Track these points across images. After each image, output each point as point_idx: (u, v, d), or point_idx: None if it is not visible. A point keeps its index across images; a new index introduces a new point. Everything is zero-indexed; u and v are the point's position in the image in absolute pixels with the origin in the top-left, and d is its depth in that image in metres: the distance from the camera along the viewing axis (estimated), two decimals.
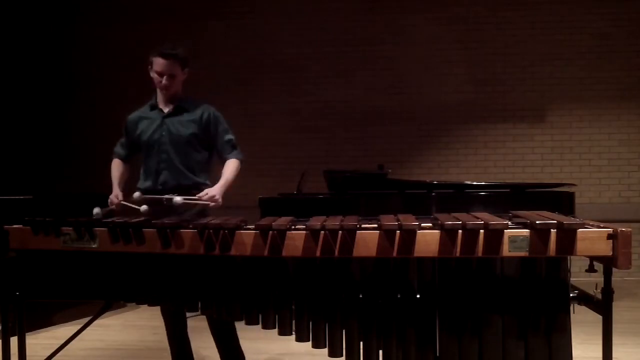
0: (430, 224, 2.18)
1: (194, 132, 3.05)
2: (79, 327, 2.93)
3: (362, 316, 2.23)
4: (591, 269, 2.27)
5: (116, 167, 3.27)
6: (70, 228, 2.45)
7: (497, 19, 6.53)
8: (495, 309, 2.18)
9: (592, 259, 2.21)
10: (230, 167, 3.06)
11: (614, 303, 2.14)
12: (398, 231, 2.13)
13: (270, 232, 2.22)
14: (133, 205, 2.97)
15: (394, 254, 2.14)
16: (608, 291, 2.14)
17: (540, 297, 2.16)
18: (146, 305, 2.51)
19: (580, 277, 2.32)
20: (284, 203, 4.73)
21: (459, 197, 4.72)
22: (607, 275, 2.14)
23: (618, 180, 6.45)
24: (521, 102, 6.53)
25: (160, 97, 3.12)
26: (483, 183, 5.11)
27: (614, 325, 2.15)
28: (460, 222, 2.11)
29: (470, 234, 2.09)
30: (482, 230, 2.09)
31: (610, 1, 6.40)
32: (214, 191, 2.94)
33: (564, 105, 6.50)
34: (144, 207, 2.89)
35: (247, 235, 2.26)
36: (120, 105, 6.93)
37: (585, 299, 2.28)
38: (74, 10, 7.05)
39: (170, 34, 6.88)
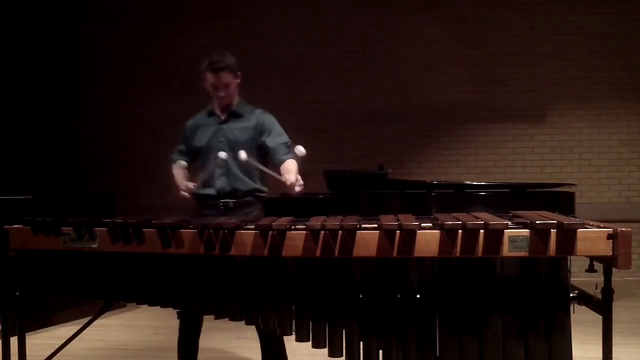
0: (430, 224, 2.17)
1: (251, 138, 3.05)
2: (79, 327, 2.92)
3: (362, 316, 2.23)
4: (591, 269, 2.27)
5: (178, 171, 3.21)
6: (70, 228, 2.45)
7: (497, 19, 6.53)
8: (495, 309, 2.18)
9: (592, 259, 2.21)
10: (292, 165, 2.97)
11: (614, 303, 2.14)
12: (398, 231, 2.13)
13: (270, 232, 2.22)
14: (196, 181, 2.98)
15: (394, 254, 2.14)
16: (608, 291, 2.14)
17: (540, 297, 2.16)
18: (146, 305, 2.51)
19: (580, 277, 2.32)
20: (284, 203, 4.73)
21: (459, 197, 4.72)
22: (607, 275, 2.14)
23: (618, 180, 6.45)
24: (521, 102, 6.53)
25: (217, 104, 3.14)
26: (483, 183, 5.12)
27: (614, 325, 2.15)
28: (460, 222, 2.11)
29: (470, 234, 2.09)
30: (482, 230, 2.09)
31: (610, 1, 6.40)
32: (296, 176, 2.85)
33: (564, 105, 6.51)
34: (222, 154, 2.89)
35: (247, 235, 2.26)
36: (120, 105, 7.00)
37: (585, 299, 2.28)
38: (74, 10, 7.06)
39: (170, 34, 6.90)
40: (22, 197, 4.55)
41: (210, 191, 3.06)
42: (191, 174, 3.20)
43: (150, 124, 6.92)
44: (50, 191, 6.30)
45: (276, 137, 3.09)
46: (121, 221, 2.40)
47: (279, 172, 2.94)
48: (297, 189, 2.80)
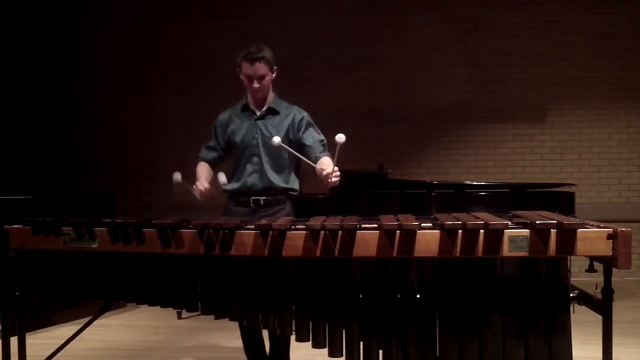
0: (430, 224, 2.18)
1: (286, 135, 3.00)
2: (79, 327, 2.92)
3: (362, 316, 2.23)
4: (591, 269, 2.27)
5: (202, 167, 3.14)
6: (70, 228, 2.45)
7: (497, 19, 6.53)
8: (495, 309, 2.18)
9: (592, 259, 2.21)
10: (328, 160, 2.93)
11: (614, 303, 2.14)
12: (398, 231, 2.13)
13: (270, 232, 2.22)
14: (215, 184, 2.93)
15: (394, 254, 2.14)
16: (608, 291, 2.14)
17: (540, 297, 2.16)
18: (146, 305, 2.51)
19: (580, 277, 2.32)
20: None
21: (459, 197, 4.72)
22: (607, 275, 2.14)
23: (618, 180, 6.45)
24: (521, 102, 6.53)
25: (251, 99, 3.08)
26: (483, 183, 5.11)
27: (614, 325, 2.15)
28: (460, 222, 2.11)
29: (470, 234, 2.09)
30: (482, 230, 2.09)
31: (610, 1, 6.40)
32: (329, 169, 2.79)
33: (564, 105, 6.50)
34: (222, 177, 2.87)
35: (247, 235, 2.26)
36: (120, 105, 7.00)
37: (585, 299, 2.28)
38: (74, 10, 7.06)
39: (170, 35, 6.90)
40: (22, 197, 4.55)
41: (241, 187, 3.02)
42: (225, 170, 3.15)
43: (150, 124, 6.93)
44: (50, 191, 6.30)
45: (313, 134, 3.04)
46: (121, 221, 2.40)
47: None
48: (334, 179, 2.72)
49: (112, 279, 2.46)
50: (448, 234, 2.11)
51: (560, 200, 4.65)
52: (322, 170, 2.75)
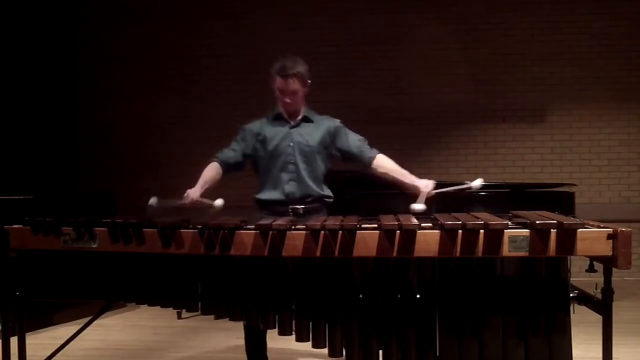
0: (430, 224, 2.18)
1: (321, 142, 3.00)
2: (79, 327, 2.93)
3: (362, 316, 2.23)
4: (591, 269, 2.27)
5: (210, 169, 3.10)
6: (70, 228, 2.45)
7: (497, 19, 6.53)
8: (495, 309, 2.18)
9: (592, 259, 2.22)
10: (390, 161, 3.00)
11: (614, 303, 2.14)
12: (398, 231, 2.13)
13: (270, 232, 2.23)
14: (207, 201, 2.92)
15: (394, 254, 2.14)
16: (608, 291, 2.14)
17: (540, 297, 2.17)
18: (146, 305, 2.51)
19: (580, 277, 2.32)
20: None
21: (459, 197, 4.71)
22: (607, 275, 2.15)
23: (618, 180, 6.45)
24: (521, 102, 6.53)
25: (282, 109, 3.06)
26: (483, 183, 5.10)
27: (614, 325, 2.15)
28: (460, 222, 2.11)
29: (470, 234, 2.09)
30: (482, 230, 2.09)
31: (610, 1, 6.40)
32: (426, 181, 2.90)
33: (564, 105, 6.50)
34: (219, 202, 2.85)
35: (247, 235, 2.26)
36: (120, 105, 7.00)
37: (585, 299, 2.28)
38: (75, 10, 7.05)
39: (170, 35, 6.90)
40: (22, 197, 4.55)
41: (278, 196, 2.96)
42: (248, 177, 3.13)
43: (151, 124, 6.93)
44: (50, 191, 6.29)
45: (354, 138, 3.05)
46: (121, 221, 2.40)
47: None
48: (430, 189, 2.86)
49: (112, 279, 2.46)
50: (448, 234, 2.11)
51: (560, 200, 4.65)
52: (423, 186, 2.87)
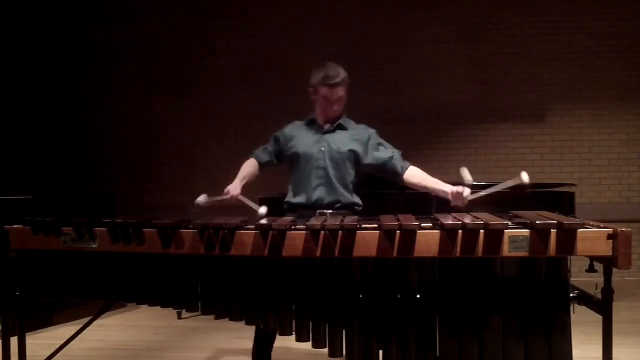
0: (430, 224, 2.18)
1: (353, 149, 2.98)
2: (79, 327, 2.92)
3: (362, 316, 2.23)
4: (591, 269, 2.28)
5: (248, 165, 3.10)
6: (70, 228, 2.44)
7: (497, 19, 6.53)
8: (495, 309, 2.18)
9: (592, 259, 2.22)
10: (422, 173, 2.96)
11: (614, 303, 2.14)
12: (398, 231, 2.13)
13: (270, 232, 2.22)
14: (251, 204, 2.90)
15: (394, 254, 2.14)
16: (608, 291, 2.14)
17: (540, 297, 2.16)
18: (146, 305, 2.51)
19: (580, 277, 2.32)
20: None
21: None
22: (607, 275, 2.14)
23: (618, 180, 6.45)
24: (521, 102, 6.53)
25: (320, 115, 3.07)
26: (483, 183, 5.10)
27: (614, 325, 2.15)
28: (460, 222, 2.11)
29: (470, 234, 2.09)
30: (482, 230, 2.09)
31: (610, 1, 6.40)
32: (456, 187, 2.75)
33: (564, 105, 6.50)
34: (263, 209, 2.79)
35: (247, 235, 2.26)
36: (121, 105, 7.00)
37: (585, 299, 2.28)
38: (76, 10, 7.06)
39: (171, 35, 6.90)
40: (22, 197, 4.55)
41: (307, 200, 2.95)
42: (278, 176, 3.14)
43: (151, 124, 6.93)
44: (50, 191, 6.29)
45: (387, 149, 3.05)
46: (121, 221, 2.40)
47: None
48: (467, 196, 2.69)
49: (112, 279, 2.46)
50: (448, 234, 2.11)
51: (560, 200, 4.65)
52: (457, 191, 2.70)
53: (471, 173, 2.74)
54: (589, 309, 2.27)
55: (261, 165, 3.13)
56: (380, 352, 2.24)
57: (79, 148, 7.05)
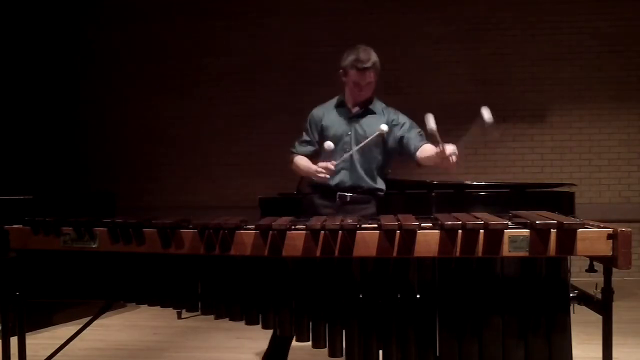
0: (430, 224, 2.18)
1: (380, 134, 2.97)
2: (79, 327, 2.92)
3: (362, 316, 2.23)
4: (591, 269, 2.27)
5: (302, 159, 3.07)
6: (70, 228, 2.44)
7: (497, 19, 6.53)
8: (495, 309, 2.18)
9: (592, 259, 2.21)
10: (429, 147, 2.93)
11: (614, 303, 2.14)
12: (398, 231, 2.13)
13: (270, 232, 2.22)
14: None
15: (394, 254, 2.14)
16: (608, 291, 2.14)
17: (540, 297, 2.16)
18: (146, 305, 2.51)
19: (580, 277, 2.32)
20: (284, 203, 4.73)
21: (459, 197, 4.71)
22: (607, 275, 2.14)
23: (618, 180, 6.45)
24: (521, 102, 6.53)
25: (349, 98, 3.06)
26: (483, 183, 5.11)
27: (614, 325, 2.15)
28: (460, 222, 2.11)
29: (470, 234, 2.09)
30: (482, 230, 2.09)
31: (610, 1, 6.40)
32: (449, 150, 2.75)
33: (564, 105, 6.50)
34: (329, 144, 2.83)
35: (247, 235, 2.26)
36: (121, 105, 7.00)
37: (585, 299, 2.28)
38: (77, 10, 7.05)
39: (171, 35, 6.90)
40: (22, 197, 4.55)
41: (330, 183, 2.96)
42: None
43: (151, 124, 6.93)
44: (50, 191, 6.29)
45: (411, 128, 3.05)
46: (121, 221, 2.40)
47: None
48: (454, 158, 2.77)
49: (112, 279, 2.46)
50: (448, 234, 2.11)
51: (560, 200, 4.65)
52: (445, 150, 2.72)
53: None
54: (589, 309, 2.27)
55: (309, 157, 3.09)
56: (380, 352, 2.24)
57: (79, 148, 7.04)
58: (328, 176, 2.87)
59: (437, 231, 2.12)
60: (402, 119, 3.08)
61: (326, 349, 2.27)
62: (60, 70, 7.02)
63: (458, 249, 2.10)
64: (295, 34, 6.70)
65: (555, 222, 2.07)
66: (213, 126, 6.81)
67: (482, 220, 2.11)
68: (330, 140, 2.97)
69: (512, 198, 4.62)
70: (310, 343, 2.28)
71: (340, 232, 2.17)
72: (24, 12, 6.65)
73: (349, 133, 3.00)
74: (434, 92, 6.58)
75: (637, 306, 5.16)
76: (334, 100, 3.14)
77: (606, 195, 6.46)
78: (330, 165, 2.86)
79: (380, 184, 3.07)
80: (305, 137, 3.16)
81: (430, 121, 2.62)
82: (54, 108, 6.99)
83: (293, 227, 2.24)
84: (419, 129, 3.04)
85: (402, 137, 3.01)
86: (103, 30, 7.00)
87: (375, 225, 2.19)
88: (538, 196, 4.76)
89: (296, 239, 2.20)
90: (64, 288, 2.54)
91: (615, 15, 6.37)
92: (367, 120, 3.03)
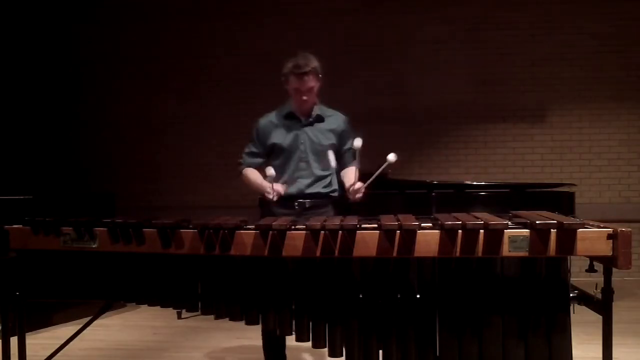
0: (430, 224, 2.18)
1: (332, 142, 3.08)
2: (79, 327, 2.92)
3: (362, 316, 2.23)
4: (591, 269, 2.27)
5: (253, 172, 3.14)
6: (70, 228, 2.45)
7: (497, 19, 6.53)
8: (495, 309, 2.18)
9: (592, 259, 2.21)
10: (354, 172, 2.99)
11: (614, 303, 2.14)
12: (398, 231, 2.13)
13: (270, 232, 2.22)
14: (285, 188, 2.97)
15: (394, 254, 2.14)
16: (608, 291, 2.14)
17: (540, 297, 2.16)
18: (146, 305, 2.51)
19: (580, 277, 2.32)
20: None
21: (459, 197, 4.72)
22: (607, 275, 2.14)
23: (618, 180, 6.45)
24: (521, 102, 6.53)
25: (296, 107, 3.09)
26: (483, 183, 5.11)
27: (614, 325, 2.15)
28: (460, 222, 2.11)
29: (470, 234, 2.09)
30: (482, 230, 2.09)
31: (610, 1, 6.39)
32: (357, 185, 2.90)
33: (564, 105, 6.50)
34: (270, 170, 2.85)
35: (247, 235, 2.26)
36: (121, 105, 7.00)
37: (585, 299, 2.28)
38: (76, 10, 7.05)
39: (171, 35, 6.90)
40: (22, 197, 4.55)
41: (290, 191, 3.03)
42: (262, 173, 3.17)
43: (151, 124, 6.93)
44: (50, 191, 6.29)
45: (348, 143, 3.12)
46: (121, 221, 2.40)
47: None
48: (358, 195, 2.89)
49: (112, 279, 2.46)
50: (448, 234, 2.11)
51: (560, 200, 4.66)
52: (350, 184, 2.90)
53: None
54: (589, 309, 2.27)
55: (258, 169, 3.16)
56: (380, 352, 2.24)
57: (79, 148, 7.04)
58: (275, 199, 2.92)
59: (437, 231, 2.12)
60: (349, 133, 3.14)
61: (326, 349, 2.27)
62: (60, 70, 7.02)
63: (458, 249, 2.10)
64: (295, 34, 6.70)
65: (555, 222, 2.07)
66: (213, 126, 6.81)
67: (482, 220, 2.11)
68: (285, 151, 3.05)
69: (512, 198, 4.63)
70: (310, 343, 2.28)
71: (340, 232, 2.17)
72: (23, 12, 6.65)
73: (303, 142, 3.06)
74: (434, 92, 6.59)
75: (637, 306, 5.16)
76: (281, 110, 3.17)
77: (606, 195, 6.46)
78: (281, 191, 2.94)
79: (335, 186, 3.14)
80: (253, 148, 3.19)
81: (356, 142, 2.75)
82: (54, 108, 6.99)
83: (293, 227, 2.24)
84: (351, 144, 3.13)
85: (340, 151, 3.12)
86: (103, 30, 7.00)
87: (375, 225, 2.19)
88: (538, 196, 4.76)
89: (296, 239, 2.21)
90: (64, 288, 2.55)
91: (615, 15, 6.37)
92: (318, 127, 3.10)
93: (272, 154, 3.11)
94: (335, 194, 3.15)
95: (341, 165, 3.11)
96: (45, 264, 2.54)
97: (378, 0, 6.69)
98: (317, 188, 3.06)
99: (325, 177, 3.09)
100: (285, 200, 2.99)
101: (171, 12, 6.92)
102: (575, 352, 2.24)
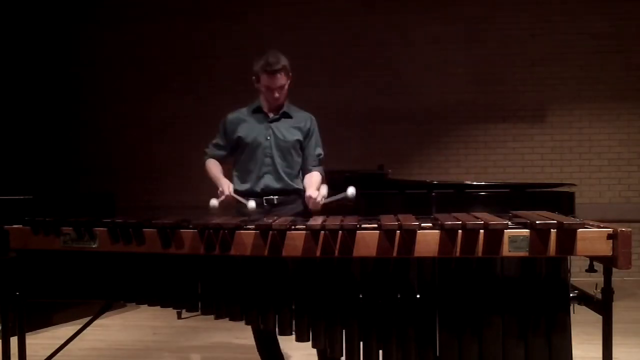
0: (430, 224, 2.18)
1: (298, 139, 3.09)
2: (79, 327, 2.93)
3: (362, 316, 2.23)
4: (591, 269, 2.27)
5: (215, 165, 3.19)
6: (70, 228, 2.44)
7: (497, 19, 6.53)
8: (495, 309, 2.18)
9: (592, 259, 2.21)
10: (317, 178, 3.07)
11: (614, 303, 2.14)
12: (398, 231, 2.13)
13: (270, 232, 2.22)
14: (241, 199, 2.94)
15: (394, 254, 2.14)
16: (608, 291, 2.14)
17: (540, 297, 2.16)
18: (146, 305, 2.51)
19: (580, 277, 2.32)
20: None
21: (459, 197, 4.72)
22: (607, 275, 2.14)
23: (618, 180, 6.45)
24: (521, 102, 6.53)
25: (265, 103, 3.12)
26: (483, 183, 5.11)
27: (614, 325, 2.15)
28: (460, 222, 2.11)
29: (470, 234, 2.09)
30: (482, 230, 2.09)
31: (610, 1, 6.40)
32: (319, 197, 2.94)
33: (564, 105, 6.50)
34: (251, 204, 2.83)
35: (247, 235, 2.26)
36: (121, 105, 7.00)
37: (585, 299, 2.28)
38: (75, 10, 7.05)
39: (170, 35, 6.90)
40: (22, 197, 4.55)
41: (255, 188, 3.05)
42: (226, 166, 3.20)
43: (151, 124, 6.93)
44: (50, 191, 6.29)
45: (315, 146, 3.16)
46: (121, 221, 2.40)
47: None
48: (319, 201, 2.91)
49: (112, 279, 2.46)
50: (448, 234, 2.11)
51: (560, 200, 4.65)
52: (309, 194, 2.92)
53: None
54: (589, 309, 2.27)
55: (221, 161, 3.21)
56: (380, 352, 2.24)
57: (78, 148, 7.04)
58: (223, 197, 2.95)
59: (437, 231, 2.12)
60: (314, 132, 3.17)
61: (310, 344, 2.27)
62: (60, 71, 7.02)
63: (458, 249, 2.10)
64: (295, 34, 6.70)
65: (555, 222, 2.07)
66: (213, 126, 6.79)
67: (482, 220, 2.11)
68: (250, 146, 3.07)
69: (512, 198, 4.62)
70: (310, 343, 2.28)
71: (340, 232, 2.17)
72: (23, 12, 6.65)
73: (268, 138, 3.07)
74: (434, 92, 6.59)
75: (637, 306, 5.16)
76: (250, 107, 3.20)
77: (606, 195, 6.46)
78: (230, 197, 2.96)
79: (301, 185, 3.14)
80: (218, 140, 3.23)
81: (350, 191, 2.81)
82: (54, 108, 7.00)
83: (293, 227, 2.24)
84: (321, 152, 3.18)
85: (304, 152, 3.14)
86: (103, 30, 7.00)
87: (375, 225, 2.19)
88: (538, 196, 4.76)
89: (296, 239, 2.21)
90: (64, 288, 2.55)
91: (615, 15, 6.37)
92: (284, 124, 3.11)
93: (237, 148, 3.13)
94: (302, 193, 3.13)
95: (304, 168, 3.13)
96: (45, 264, 2.54)
97: (378, 0, 6.69)
98: (283, 184, 3.06)
99: (291, 174, 3.09)
100: (252, 197, 2.98)
101: (171, 12, 6.92)
102: (575, 352, 2.24)
